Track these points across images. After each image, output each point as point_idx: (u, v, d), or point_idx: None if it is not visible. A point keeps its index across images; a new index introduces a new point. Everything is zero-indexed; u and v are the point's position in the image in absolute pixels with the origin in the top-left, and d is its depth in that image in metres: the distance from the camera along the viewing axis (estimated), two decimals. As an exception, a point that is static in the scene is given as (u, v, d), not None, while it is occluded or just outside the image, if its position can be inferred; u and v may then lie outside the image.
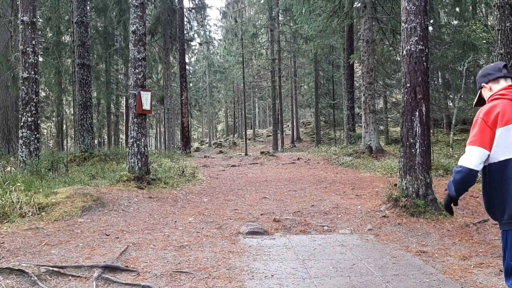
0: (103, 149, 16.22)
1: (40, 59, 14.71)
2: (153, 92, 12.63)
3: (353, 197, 7.47)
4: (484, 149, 2.10)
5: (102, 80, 23.31)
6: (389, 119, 24.57)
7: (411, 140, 5.82)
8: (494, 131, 2.10)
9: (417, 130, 5.79)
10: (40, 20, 16.83)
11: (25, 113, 8.65)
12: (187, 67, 27.10)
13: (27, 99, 8.68)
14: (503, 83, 2.29)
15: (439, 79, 22.68)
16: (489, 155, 2.11)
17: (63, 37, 19.90)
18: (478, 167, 2.11)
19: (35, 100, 8.78)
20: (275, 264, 3.79)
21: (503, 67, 2.34)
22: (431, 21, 15.59)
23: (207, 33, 34.86)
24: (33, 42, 8.75)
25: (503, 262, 2.18)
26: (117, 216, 5.80)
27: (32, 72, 8.73)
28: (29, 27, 8.70)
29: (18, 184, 6.12)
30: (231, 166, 14.36)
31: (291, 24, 27.87)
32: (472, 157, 2.11)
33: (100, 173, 8.78)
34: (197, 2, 25.87)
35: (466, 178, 2.13)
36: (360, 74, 19.27)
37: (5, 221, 5.05)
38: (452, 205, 2.35)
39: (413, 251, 4.23)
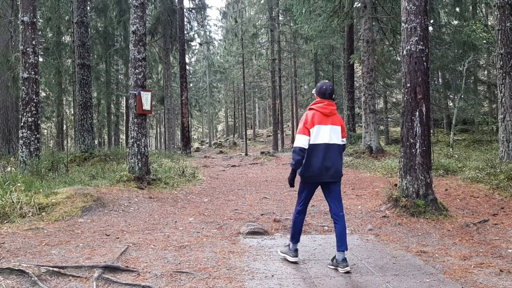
0: (103, 149, 16.21)
1: (40, 59, 14.72)
2: (153, 92, 12.64)
3: (353, 197, 7.47)
4: None
5: (102, 80, 23.33)
6: (389, 119, 24.55)
7: (411, 140, 5.82)
8: None
9: (417, 130, 5.79)
10: (40, 20, 16.86)
11: (25, 114, 8.65)
12: (187, 67, 27.11)
13: (27, 99, 8.68)
14: None
15: (439, 79, 22.68)
16: None
17: (63, 37, 19.93)
18: None
19: (35, 100, 8.78)
20: (275, 264, 3.79)
21: None
22: (431, 21, 15.59)
23: (207, 33, 34.86)
24: (33, 43, 8.75)
25: None
26: (117, 216, 5.80)
27: (32, 73, 8.73)
28: (29, 27, 8.70)
29: (18, 184, 6.13)
30: (231, 166, 14.36)
31: (291, 24, 27.87)
32: None
33: (100, 173, 8.78)
34: (197, 2, 25.87)
35: None
36: (360, 74, 19.27)
37: (5, 221, 5.06)
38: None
39: (413, 251, 4.23)
